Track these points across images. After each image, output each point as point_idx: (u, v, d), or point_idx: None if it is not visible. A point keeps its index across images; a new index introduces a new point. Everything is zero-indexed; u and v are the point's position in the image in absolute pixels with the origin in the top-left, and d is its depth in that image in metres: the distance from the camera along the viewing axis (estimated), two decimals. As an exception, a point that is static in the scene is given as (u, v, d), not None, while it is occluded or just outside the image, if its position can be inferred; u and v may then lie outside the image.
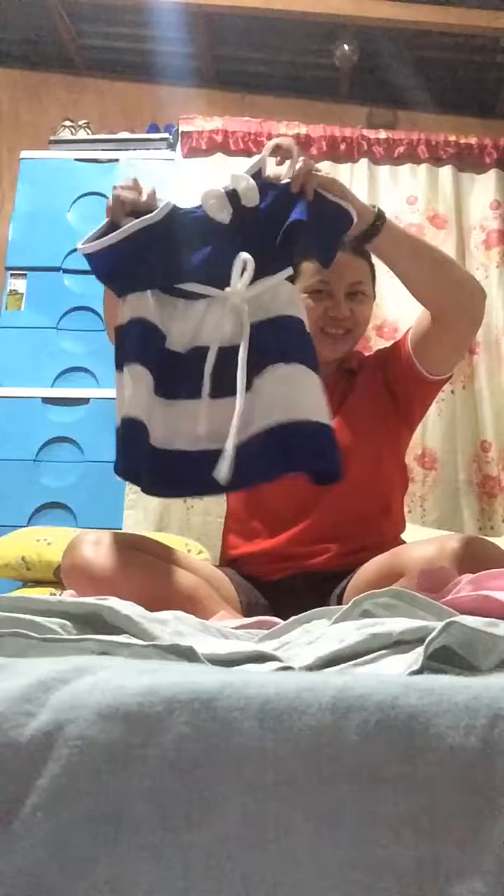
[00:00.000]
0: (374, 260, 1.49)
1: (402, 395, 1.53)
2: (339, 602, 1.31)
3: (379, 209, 1.26)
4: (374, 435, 1.50)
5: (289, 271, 1.21)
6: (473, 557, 1.09)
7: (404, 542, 1.53)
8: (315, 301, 1.49)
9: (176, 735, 0.47)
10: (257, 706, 0.48)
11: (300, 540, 1.44)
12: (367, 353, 1.70)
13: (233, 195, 1.22)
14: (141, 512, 2.64)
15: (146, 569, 1.24)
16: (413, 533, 2.11)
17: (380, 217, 1.25)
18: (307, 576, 1.41)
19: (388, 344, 2.86)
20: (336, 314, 1.49)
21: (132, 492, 2.64)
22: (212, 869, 0.45)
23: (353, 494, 1.40)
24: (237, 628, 1.00)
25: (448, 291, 1.36)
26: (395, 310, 2.87)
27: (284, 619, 0.95)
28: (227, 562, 1.54)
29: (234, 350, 1.16)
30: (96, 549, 1.25)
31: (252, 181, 1.20)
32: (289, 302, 1.20)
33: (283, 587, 1.40)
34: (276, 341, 1.17)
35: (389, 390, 1.54)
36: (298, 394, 1.15)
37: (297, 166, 1.17)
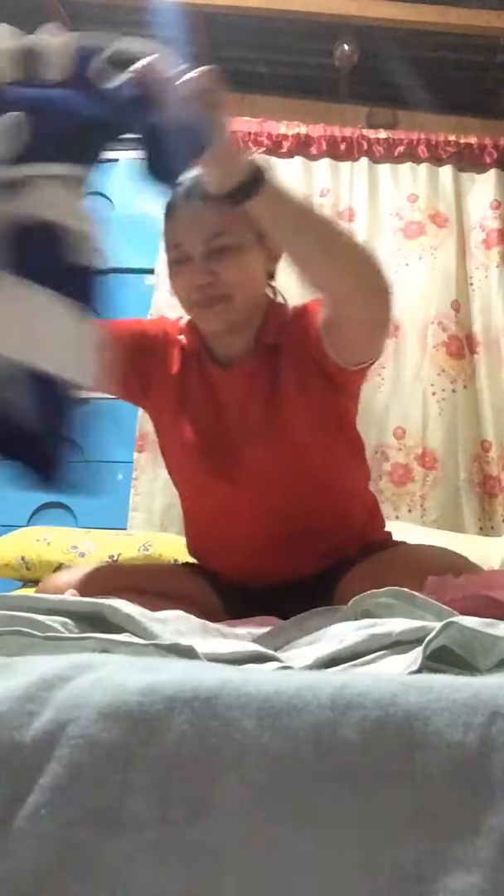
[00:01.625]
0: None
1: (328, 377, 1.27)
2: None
3: (259, 166, 1.00)
4: (316, 421, 1.28)
5: (80, 172, 0.93)
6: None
7: (381, 520, 1.46)
8: (176, 276, 1.24)
9: (177, 733, 0.47)
10: (257, 704, 0.48)
11: (272, 554, 1.32)
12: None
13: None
14: (145, 513, 2.65)
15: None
16: (412, 533, 2.12)
17: (256, 174, 0.99)
18: (290, 584, 1.31)
19: (390, 343, 2.89)
20: (193, 281, 1.21)
21: (136, 494, 2.66)
22: (212, 867, 0.45)
23: (310, 493, 1.29)
24: (237, 628, 1.00)
25: (338, 277, 1.10)
26: (396, 308, 2.87)
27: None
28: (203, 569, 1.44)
29: None
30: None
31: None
32: (53, 207, 0.88)
33: (268, 594, 1.30)
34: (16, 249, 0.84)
35: (318, 368, 1.27)
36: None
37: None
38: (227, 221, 1.19)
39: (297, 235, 1.07)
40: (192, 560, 1.52)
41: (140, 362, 1.38)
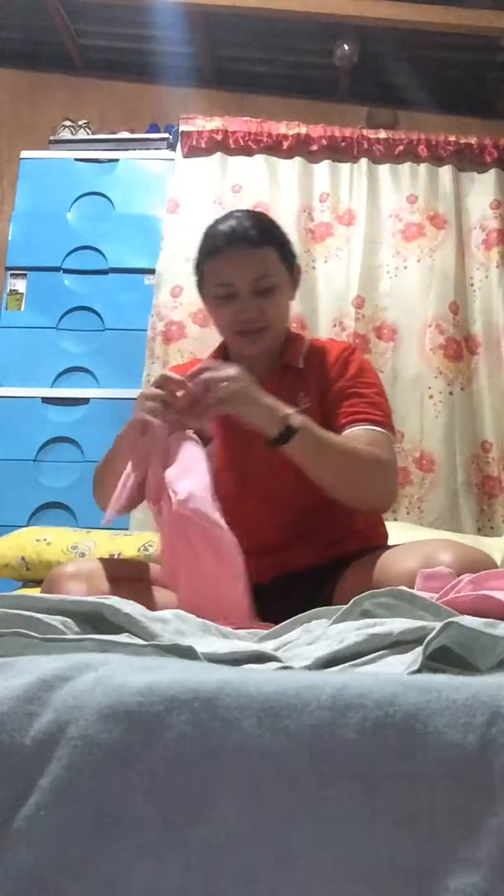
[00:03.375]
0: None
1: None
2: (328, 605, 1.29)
3: (291, 420, 1.24)
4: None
5: None
6: (461, 564, 1.07)
7: (384, 530, 1.51)
8: (221, 306, 1.43)
9: (176, 733, 0.47)
10: (257, 705, 0.48)
11: (271, 546, 1.39)
12: (325, 344, 1.58)
13: None
14: (143, 513, 2.64)
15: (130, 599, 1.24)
16: (412, 533, 2.12)
17: (289, 427, 1.23)
18: (289, 577, 1.38)
19: (388, 346, 2.90)
20: (243, 316, 1.42)
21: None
22: (211, 867, 0.45)
23: (316, 497, 1.36)
24: (237, 629, 1.00)
25: (353, 497, 1.34)
26: (394, 312, 2.87)
27: (271, 621, 0.94)
28: None
29: None
30: (76, 583, 1.26)
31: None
32: None
33: (267, 589, 1.34)
34: None
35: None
36: None
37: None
38: (270, 264, 1.42)
39: (320, 468, 1.29)
40: None
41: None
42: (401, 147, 2.99)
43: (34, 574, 2.08)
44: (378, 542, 1.46)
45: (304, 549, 1.40)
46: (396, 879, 0.44)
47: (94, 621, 0.82)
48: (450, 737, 0.47)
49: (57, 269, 2.95)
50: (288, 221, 2.85)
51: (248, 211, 1.52)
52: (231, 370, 1.25)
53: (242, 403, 1.24)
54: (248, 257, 1.40)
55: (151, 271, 2.88)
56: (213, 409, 1.24)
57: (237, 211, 1.50)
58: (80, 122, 3.23)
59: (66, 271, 2.95)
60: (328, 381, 1.46)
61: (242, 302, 1.41)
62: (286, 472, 1.31)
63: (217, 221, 1.46)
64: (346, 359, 1.49)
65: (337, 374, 1.46)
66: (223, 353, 1.55)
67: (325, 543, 1.40)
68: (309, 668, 0.66)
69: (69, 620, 0.80)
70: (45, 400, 2.84)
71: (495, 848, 0.44)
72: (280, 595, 1.32)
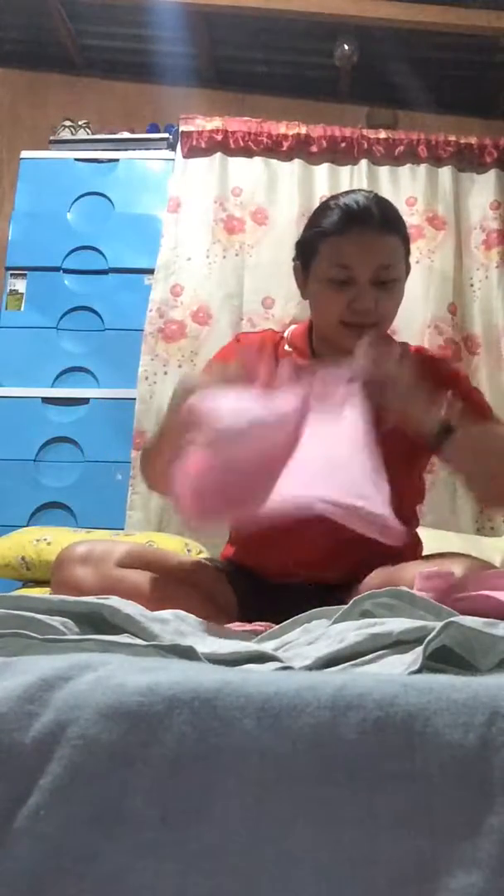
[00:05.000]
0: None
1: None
2: None
3: (448, 424, 1.14)
4: (406, 457, 1.34)
5: None
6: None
7: (419, 539, 1.48)
8: (334, 291, 1.28)
9: (177, 733, 0.47)
10: (257, 704, 0.48)
11: (325, 557, 1.34)
12: (412, 347, 1.46)
13: None
14: (142, 512, 2.64)
15: (137, 587, 1.22)
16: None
17: (447, 426, 1.15)
18: (315, 586, 1.33)
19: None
20: (360, 306, 1.27)
21: (134, 492, 2.65)
22: (211, 866, 0.45)
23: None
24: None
25: None
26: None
27: (272, 622, 0.94)
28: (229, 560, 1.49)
29: None
30: (84, 567, 1.24)
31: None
32: None
33: (288, 592, 1.31)
34: None
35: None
36: None
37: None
38: (395, 254, 1.29)
39: (477, 465, 1.22)
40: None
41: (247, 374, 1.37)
42: (401, 147, 2.99)
43: (34, 574, 2.08)
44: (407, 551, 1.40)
45: (347, 561, 1.32)
46: (396, 879, 0.44)
47: (95, 622, 0.82)
48: (450, 736, 0.47)
49: (57, 269, 2.95)
50: (288, 225, 2.85)
51: (374, 192, 1.37)
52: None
53: (414, 399, 1.14)
54: (375, 241, 1.27)
55: (151, 271, 2.88)
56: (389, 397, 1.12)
57: (362, 190, 1.37)
58: (80, 122, 3.23)
59: (66, 271, 2.95)
60: (438, 386, 1.34)
61: (360, 290, 1.27)
62: None
63: (340, 195, 1.33)
64: (454, 367, 1.42)
65: (448, 381, 1.34)
66: (308, 344, 1.41)
67: (368, 557, 1.31)
68: (309, 668, 0.66)
69: (69, 621, 0.80)
70: (45, 400, 2.84)
71: (495, 847, 0.44)
72: (297, 600, 1.28)
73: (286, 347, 1.43)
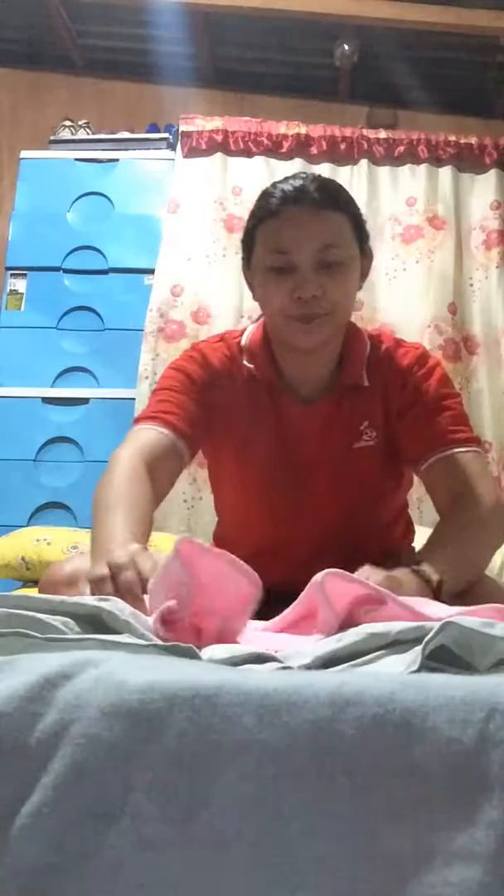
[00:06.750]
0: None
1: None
2: None
3: (438, 581, 1.02)
4: (384, 465, 1.28)
5: None
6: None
7: (412, 535, 1.48)
8: (273, 281, 1.15)
9: (177, 730, 0.47)
10: (256, 701, 0.48)
11: (312, 566, 1.33)
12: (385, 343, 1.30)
13: None
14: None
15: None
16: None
17: (436, 589, 1.03)
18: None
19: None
20: (303, 294, 1.13)
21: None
22: (211, 862, 0.45)
23: (363, 519, 1.30)
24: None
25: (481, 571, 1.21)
26: (392, 313, 2.87)
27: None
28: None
29: None
30: (70, 589, 1.14)
31: None
32: None
33: (282, 592, 1.33)
34: None
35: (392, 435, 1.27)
36: None
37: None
38: (339, 233, 1.15)
39: (472, 572, 1.14)
40: None
41: (206, 398, 1.27)
42: (401, 148, 2.99)
43: (34, 574, 2.08)
44: (400, 546, 1.42)
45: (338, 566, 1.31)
46: (396, 873, 0.44)
47: (96, 622, 0.82)
48: (448, 732, 0.47)
49: (57, 269, 2.95)
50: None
51: (318, 174, 1.22)
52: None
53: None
54: (313, 221, 1.13)
55: (151, 271, 2.89)
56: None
57: (302, 173, 1.22)
58: (80, 122, 3.23)
59: (66, 271, 2.95)
60: (403, 404, 1.24)
61: (301, 276, 1.13)
62: (343, 498, 1.24)
63: (278, 181, 1.20)
64: (423, 374, 1.25)
65: (413, 395, 1.23)
66: (267, 352, 1.27)
67: (357, 561, 1.32)
68: (308, 667, 0.66)
69: (70, 621, 0.80)
70: (45, 400, 2.84)
71: (493, 841, 0.44)
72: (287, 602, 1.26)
73: (245, 362, 1.30)
